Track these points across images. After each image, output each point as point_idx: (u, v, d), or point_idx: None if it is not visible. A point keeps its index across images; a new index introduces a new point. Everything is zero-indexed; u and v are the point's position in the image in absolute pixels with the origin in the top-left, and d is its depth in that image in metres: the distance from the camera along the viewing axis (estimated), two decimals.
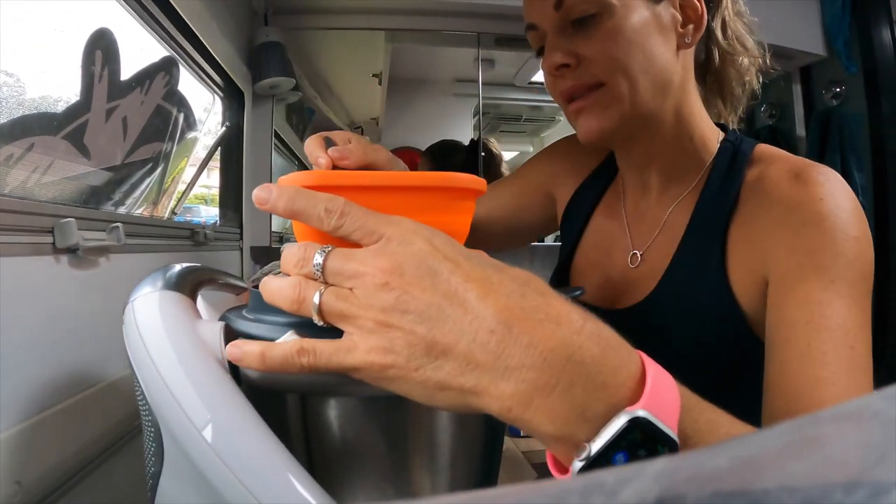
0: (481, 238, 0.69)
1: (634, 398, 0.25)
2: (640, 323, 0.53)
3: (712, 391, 0.30)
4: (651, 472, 0.10)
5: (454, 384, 0.25)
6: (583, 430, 0.24)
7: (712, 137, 0.56)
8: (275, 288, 0.29)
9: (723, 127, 0.59)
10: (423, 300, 0.26)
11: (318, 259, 0.28)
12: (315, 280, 0.28)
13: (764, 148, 0.55)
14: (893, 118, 1.49)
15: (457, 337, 0.25)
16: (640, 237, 0.59)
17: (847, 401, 0.34)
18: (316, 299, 0.28)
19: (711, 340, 0.51)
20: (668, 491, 0.09)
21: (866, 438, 0.10)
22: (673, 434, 0.24)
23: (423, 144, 1.58)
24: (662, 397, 0.25)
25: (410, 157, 1.59)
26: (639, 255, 0.58)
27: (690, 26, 0.52)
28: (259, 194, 0.30)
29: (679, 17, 0.52)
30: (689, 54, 0.54)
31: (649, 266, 0.56)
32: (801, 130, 1.69)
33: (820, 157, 1.54)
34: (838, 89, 1.58)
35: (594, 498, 0.10)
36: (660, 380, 0.26)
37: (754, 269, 0.48)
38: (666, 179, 0.57)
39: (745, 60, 0.58)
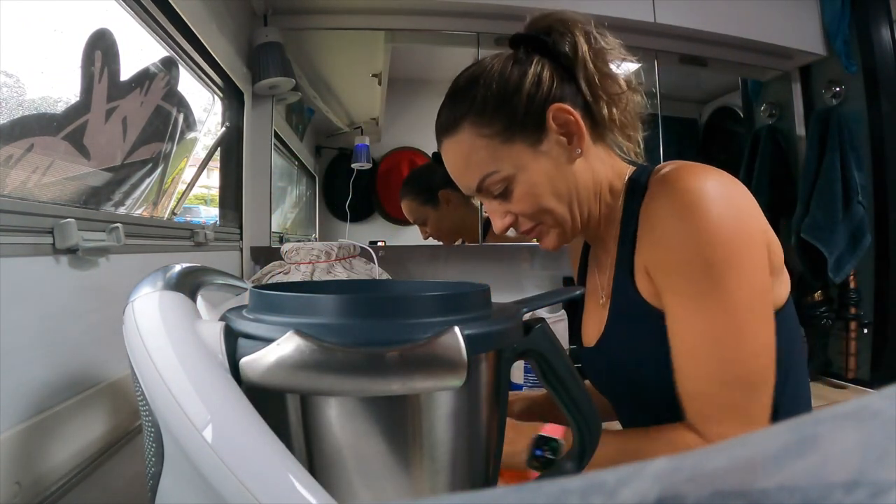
0: None
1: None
2: (603, 355, 0.67)
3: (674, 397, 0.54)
4: (651, 472, 0.10)
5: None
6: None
7: (621, 184, 0.64)
8: None
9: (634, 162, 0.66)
10: None
11: None
12: None
13: (659, 170, 0.60)
14: (893, 118, 1.49)
15: None
16: (603, 279, 0.69)
17: (712, 413, 0.52)
18: None
19: (648, 355, 0.61)
20: (668, 491, 0.09)
21: (866, 438, 0.10)
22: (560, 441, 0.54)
23: (423, 144, 1.58)
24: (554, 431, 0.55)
25: (410, 158, 1.59)
26: (604, 295, 0.68)
27: (574, 137, 0.60)
28: None
29: (564, 140, 0.59)
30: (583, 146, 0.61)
31: (607, 303, 0.67)
32: (800, 130, 1.69)
33: (819, 156, 1.54)
34: (838, 89, 1.58)
35: (594, 498, 0.10)
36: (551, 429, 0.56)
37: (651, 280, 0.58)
38: (605, 231, 0.67)
39: (628, 97, 0.62)
